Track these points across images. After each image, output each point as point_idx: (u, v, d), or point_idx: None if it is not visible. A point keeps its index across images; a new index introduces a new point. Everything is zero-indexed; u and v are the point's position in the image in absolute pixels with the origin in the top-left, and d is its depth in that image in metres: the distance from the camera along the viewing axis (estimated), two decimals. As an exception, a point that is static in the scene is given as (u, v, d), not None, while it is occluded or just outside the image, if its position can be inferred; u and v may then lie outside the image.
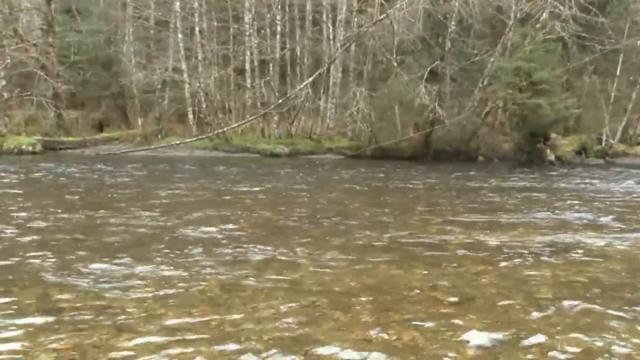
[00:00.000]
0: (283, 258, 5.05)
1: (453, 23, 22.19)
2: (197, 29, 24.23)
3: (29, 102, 22.79)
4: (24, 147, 19.95)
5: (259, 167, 16.88)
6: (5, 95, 21.95)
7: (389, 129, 22.66)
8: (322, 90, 24.55)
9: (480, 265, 4.86)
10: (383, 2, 22.52)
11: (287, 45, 25.09)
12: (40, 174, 12.91)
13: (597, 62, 23.55)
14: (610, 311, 3.61)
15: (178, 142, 21.88)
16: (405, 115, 22.43)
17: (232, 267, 4.65)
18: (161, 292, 3.88)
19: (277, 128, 24.31)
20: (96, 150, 21.19)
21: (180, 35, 23.61)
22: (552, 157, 20.69)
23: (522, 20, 22.14)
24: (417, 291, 4.08)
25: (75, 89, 23.39)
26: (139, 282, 4.13)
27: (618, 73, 22.61)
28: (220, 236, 5.94)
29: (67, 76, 23.02)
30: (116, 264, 4.58)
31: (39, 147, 20.18)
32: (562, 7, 20.88)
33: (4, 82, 21.91)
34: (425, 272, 4.64)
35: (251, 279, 4.30)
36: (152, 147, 21.61)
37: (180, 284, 4.09)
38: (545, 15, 21.74)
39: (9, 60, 21.59)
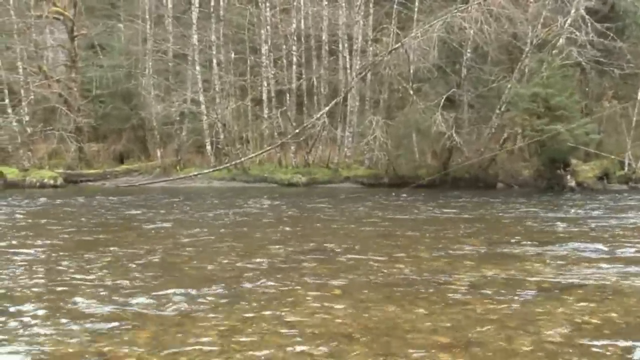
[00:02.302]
0: (285, 297, 4.98)
1: (469, 50, 22.21)
2: (214, 61, 24.64)
3: (52, 136, 23.31)
4: (45, 180, 20.34)
5: (276, 198, 16.87)
6: (29, 130, 22.47)
7: (406, 157, 22.57)
8: (339, 119, 24.65)
9: (489, 303, 4.72)
10: (398, 31, 22.69)
11: (304, 75, 25.32)
12: (51, 206, 13.09)
13: (617, 87, 23.27)
14: (618, 352, 3.46)
15: (196, 173, 22.10)
16: (423, 142, 22.35)
17: (229, 305, 4.59)
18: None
19: (295, 157, 24.41)
20: (116, 182, 21.48)
21: (198, 68, 24.04)
22: (572, 183, 20.32)
23: (538, 46, 22.02)
24: (419, 334, 3.96)
25: (96, 122, 23.89)
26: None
27: (639, 97, 22.28)
28: (221, 272, 5.89)
29: (88, 110, 23.53)
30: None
31: (60, 181, 20.55)
32: (578, 33, 20.75)
33: (27, 118, 22.44)
34: (429, 312, 4.52)
35: (248, 322, 4.22)
36: (171, 178, 21.86)
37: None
38: (561, 41, 21.60)
39: (32, 97, 22.15)
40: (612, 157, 21.42)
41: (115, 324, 4.12)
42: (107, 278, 5.64)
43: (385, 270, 6.12)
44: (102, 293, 5.03)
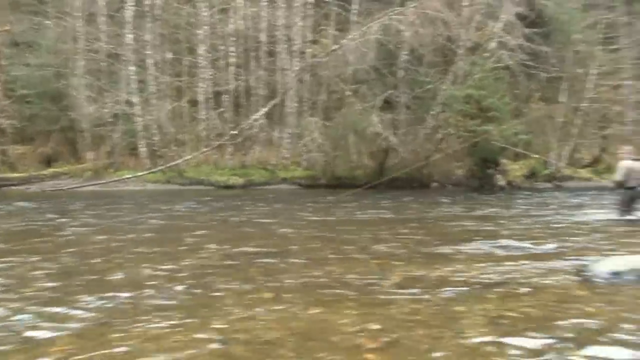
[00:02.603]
0: (213, 301, 4.85)
1: (405, 52, 22.59)
2: (150, 61, 24.00)
3: (-28, 138, 22.09)
4: (-37, 185, 19.25)
5: (213, 200, 16.58)
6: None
7: (343, 158, 22.73)
8: (276, 121, 24.56)
9: (414, 303, 4.75)
10: (336, 33, 22.83)
11: (242, 76, 25.06)
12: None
13: (544, 90, 24.25)
14: (534, 347, 3.54)
15: (130, 176, 21.44)
16: (360, 143, 22.55)
17: (154, 311, 4.42)
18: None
19: (232, 159, 24.13)
20: (42, 186, 20.55)
21: (132, 68, 23.35)
22: (502, 182, 21.04)
23: (471, 49, 22.69)
24: (345, 336, 3.93)
25: (22, 123, 22.76)
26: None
27: (563, 100, 23.28)
28: (150, 280, 5.69)
29: (12, 110, 22.40)
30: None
31: (-20, 185, 19.49)
32: (508, 37, 21.49)
33: (-54, 118, 21.21)
34: (358, 313, 4.49)
35: (168, 329, 4.08)
36: (102, 181, 21.11)
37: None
38: (493, 44, 22.33)
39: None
40: (537, 156, 22.24)
41: (28, 334, 3.89)
42: (15, 287, 5.33)
43: (316, 273, 6.08)
44: (11, 305, 4.75)
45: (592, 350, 3.54)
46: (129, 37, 23.38)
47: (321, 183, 22.57)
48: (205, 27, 23.93)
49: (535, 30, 21.95)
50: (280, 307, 4.69)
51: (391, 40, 21.89)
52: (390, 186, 20.90)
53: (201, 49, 24.02)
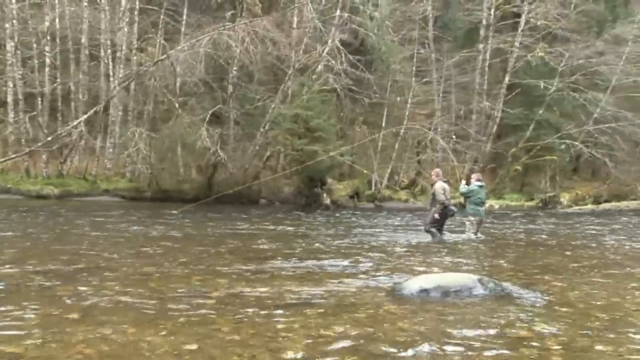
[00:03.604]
0: (13, 321, 4.31)
1: (235, 68, 22.59)
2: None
3: None
4: None
5: (21, 212, 14.91)
6: None
7: (170, 171, 21.98)
8: (99, 129, 23.03)
9: (235, 322, 4.64)
10: (164, 42, 22.10)
11: (59, 79, 23.12)
12: None
13: (367, 114, 25.80)
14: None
15: None
16: (188, 157, 22.01)
17: None
18: None
19: (46, 168, 22.08)
20: None
21: None
22: (327, 201, 21.85)
23: (300, 70, 23.40)
24: (159, 358, 3.69)
25: None
26: None
27: (384, 124, 24.97)
28: None
29: None
30: None
31: None
32: (334, 62, 22.54)
33: None
34: (175, 333, 4.27)
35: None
36: None
37: None
38: (320, 67, 23.26)
39: None
40: (365, 171, 23.45)
41: None
42: None
43: (132, 290, 5.71)
44: None
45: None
46: None
47: (146, 196, 21.55)
48: (14, 22, 21.68)
49: (358, 57, 23.30)
50: (90, 328, 4.30)
51: (221, 55, 21.70)
52: (219, 201, 20.64)
53: (9, 45, 21.69)
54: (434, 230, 11.46)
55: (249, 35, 20.50)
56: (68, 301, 5.21)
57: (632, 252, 10.55)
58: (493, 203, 23.37)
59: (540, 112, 25.80)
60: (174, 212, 16.02)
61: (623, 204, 25.57)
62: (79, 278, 6.31)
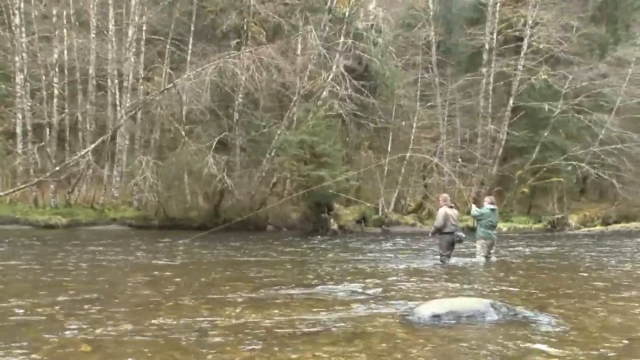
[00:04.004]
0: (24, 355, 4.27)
1: (240, 96, 22.79)
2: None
3: None
4: None
5: (30, 242, 14.93)
6: None
7: (177, 199, 22.06)
8: (106, 158, 23.19)
9: (247, 352, 4.59)
10: (170, 71, 22.38)
11: (67, 110, 23.38)
12: None
13: (372, 139, 25.89)
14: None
15: None
16: (194, 184, 22.09)
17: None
18: None
19: (54, 197, 22.19)
20: None
21: None
22: (335, 226, 21.81)
23: (305, 96, 23.58)
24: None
25: None
26: None
27: (389, 149, 25.04)
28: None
29: None
30: None
31: None
32: (339, 87, 22.72)
33: None
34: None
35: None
36: None
37: None
38: (325, 93, 23.44)
39: None
40: (368, 204, 23.50)
41: None
42: None
43: (142, 320, 5.67)
44: None
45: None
46: None
47: (153, 224, 21.62)
48: (24, 54, 22.00)
49: (363, 82, 23.49)
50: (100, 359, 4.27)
51: (227, 83, 21.93)
52: (226, 228, 20.64)
53: (19, 78, 21.98)
54: (444, 255, 11.49)
55: (254, 62, 20.71)
56: (78, 333, 5.17)
57: (644, 274, 10.43)
58: (501, 226, 23.20)
59: (546, 134, 25.87)
60: (181, 241, 16.00)
61: (633, 225, 25.42)
62: (88, 309, 6.28)
